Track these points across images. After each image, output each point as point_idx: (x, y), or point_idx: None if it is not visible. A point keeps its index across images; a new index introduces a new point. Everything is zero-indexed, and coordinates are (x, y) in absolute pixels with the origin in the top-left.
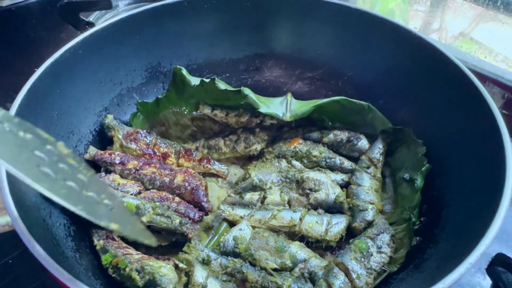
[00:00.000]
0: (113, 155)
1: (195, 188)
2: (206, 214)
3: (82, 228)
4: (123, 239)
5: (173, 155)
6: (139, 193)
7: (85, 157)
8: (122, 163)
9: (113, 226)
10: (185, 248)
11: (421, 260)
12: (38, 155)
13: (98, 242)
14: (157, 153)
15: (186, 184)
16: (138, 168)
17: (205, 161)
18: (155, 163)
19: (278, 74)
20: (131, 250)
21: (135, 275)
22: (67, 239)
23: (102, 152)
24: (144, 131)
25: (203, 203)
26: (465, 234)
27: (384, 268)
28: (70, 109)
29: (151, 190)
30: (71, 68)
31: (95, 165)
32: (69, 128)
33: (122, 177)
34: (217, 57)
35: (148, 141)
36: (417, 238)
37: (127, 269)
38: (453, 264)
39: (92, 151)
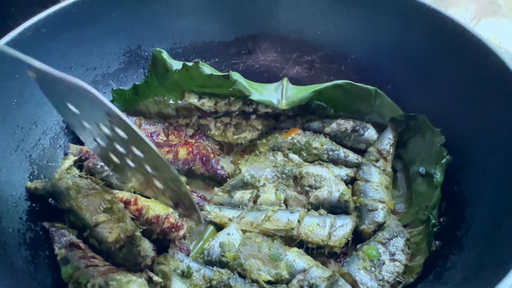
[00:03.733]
0: None
1: (205, 159)
2: (225, 181)
3: (41, 235)
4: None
5: (162, 133)
6: None
7: (71, 159)
8: None
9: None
10: (160, 258)
11: (443, 269)
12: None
13: (60, 251)
14: (145, 134)
15: (193, 157)
16: None
17: (197, 136)
18: None
19: (274, 57)
20: (98, 261)
21: None
22: (20, 248)
23: (86, 148)
24: (124, 113)
25: (218, 171)
26: (496, 237)
27: (398, 279)
28: (33, 97)
29: None
30: (33, 49)
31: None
32: (31, 118)
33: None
34: (205, 40)
35: (132, 122)
36: (437, 242)
37: (89, 285)
38: (485, 275)
39: (75, 149)
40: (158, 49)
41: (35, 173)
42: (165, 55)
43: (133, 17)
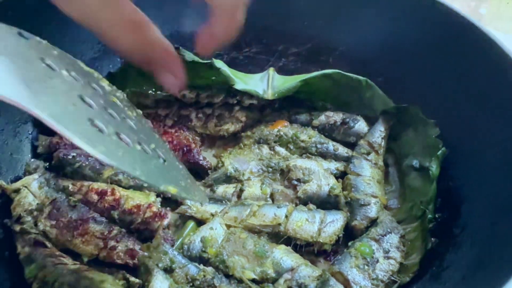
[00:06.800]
0: None
1: (187, 149)
2: (207, 174)
3: (3, 233)
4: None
5: None
6: None
7: (39, 151)
8: None
9: (172, 189)
10: (143, 247)
11: (440, 269)
12: (88, 102)
13: (23, 250)
14: None
15: (173, 148)
16: None
17: (176, 127)
18: None
19: (258, 49)
20: (67, 260)
21: None
22: None
23: (57, 139)
24: None
25: (200, 162)
26: (496, 235)
27: (393, 278)
28: None
29: None
30: None
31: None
32: None
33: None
34: (186, 29)
35: None
36: (433, 239)
37: (57, 284)
38: (485, 275)
39: (44, 140)
40: None
41: None
42: None
43: None
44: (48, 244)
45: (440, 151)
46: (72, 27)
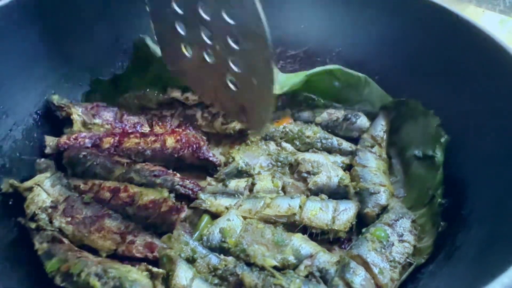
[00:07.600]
0: (79, 138)
1: (196, 147)
2: (216, 171)
3: (15, 231)
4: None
5: (146, 124)
6: (129, 164)
7: (47, 152)
8: (95, 145)
9: None
10: (164, 239)
11: (453, 248)
12: None
13: (41, 246)
14: (128, 125)
15: (182, 145)
16: (116, 144)
17: (183, 127)
18: (134, 132)
19: None
20: (86, 253)
21: (94, 280)
22: None
23: (64, 139)
24: (104, 103)
25: (211, 158)
26: (503, 213)
27: (409, 260)
28: (1, 87)
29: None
30: (2, 36)
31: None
32: (1, 108)
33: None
34: None
35: (113, 113)
36: (442, 223)
37: (83, 274)
38: (497, 251)
39: (52, 141)
40: (141, 35)
41: (7, 166)
42: (149, 41)
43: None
44: (65, 241)
45: (444, 139)
46: (78, 30)
